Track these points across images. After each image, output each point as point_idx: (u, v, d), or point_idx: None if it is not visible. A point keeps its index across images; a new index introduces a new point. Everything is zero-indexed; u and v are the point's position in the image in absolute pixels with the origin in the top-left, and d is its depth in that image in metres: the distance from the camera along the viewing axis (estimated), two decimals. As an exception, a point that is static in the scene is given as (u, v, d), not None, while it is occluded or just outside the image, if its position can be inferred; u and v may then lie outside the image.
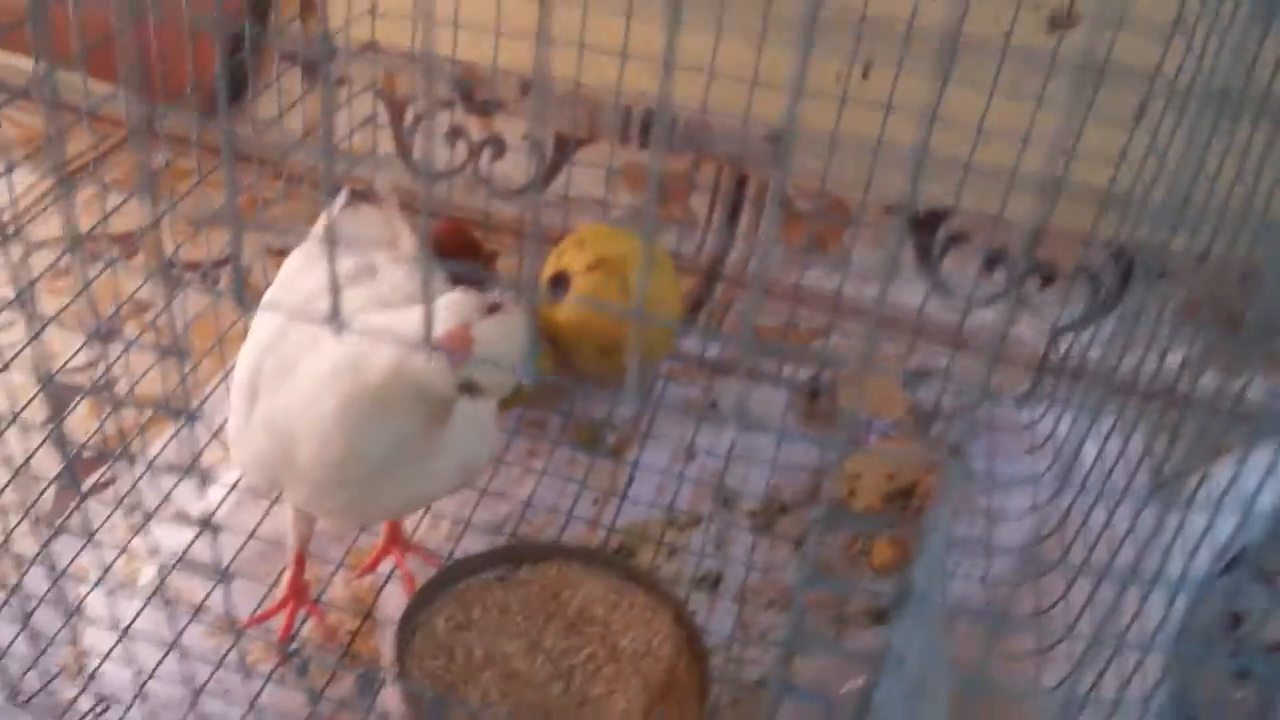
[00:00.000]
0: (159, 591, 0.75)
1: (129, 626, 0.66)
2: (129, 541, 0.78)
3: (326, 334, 0.62)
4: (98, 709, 0.69)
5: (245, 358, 0.67)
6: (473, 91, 1.15)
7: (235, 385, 0.68)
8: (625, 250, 0.90)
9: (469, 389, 0.57)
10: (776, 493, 0.88)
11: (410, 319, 0.58)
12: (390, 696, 0.71)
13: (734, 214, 1.13)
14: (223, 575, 0.70)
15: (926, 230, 1.07)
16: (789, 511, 0.87)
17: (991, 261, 1.07)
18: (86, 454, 0.85)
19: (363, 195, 0.84)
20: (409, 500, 0.68)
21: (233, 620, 0.74)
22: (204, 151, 0.88)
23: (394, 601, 0.78)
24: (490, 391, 0.57)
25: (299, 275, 0.73)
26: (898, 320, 1.03)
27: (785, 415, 0.95)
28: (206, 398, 0.90)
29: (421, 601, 0.71)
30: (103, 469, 0.84)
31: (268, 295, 0.74)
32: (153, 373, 0.85)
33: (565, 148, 1.14)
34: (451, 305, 0.58)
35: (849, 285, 1.02)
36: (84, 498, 0.78)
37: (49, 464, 0.79)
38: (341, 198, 0.79)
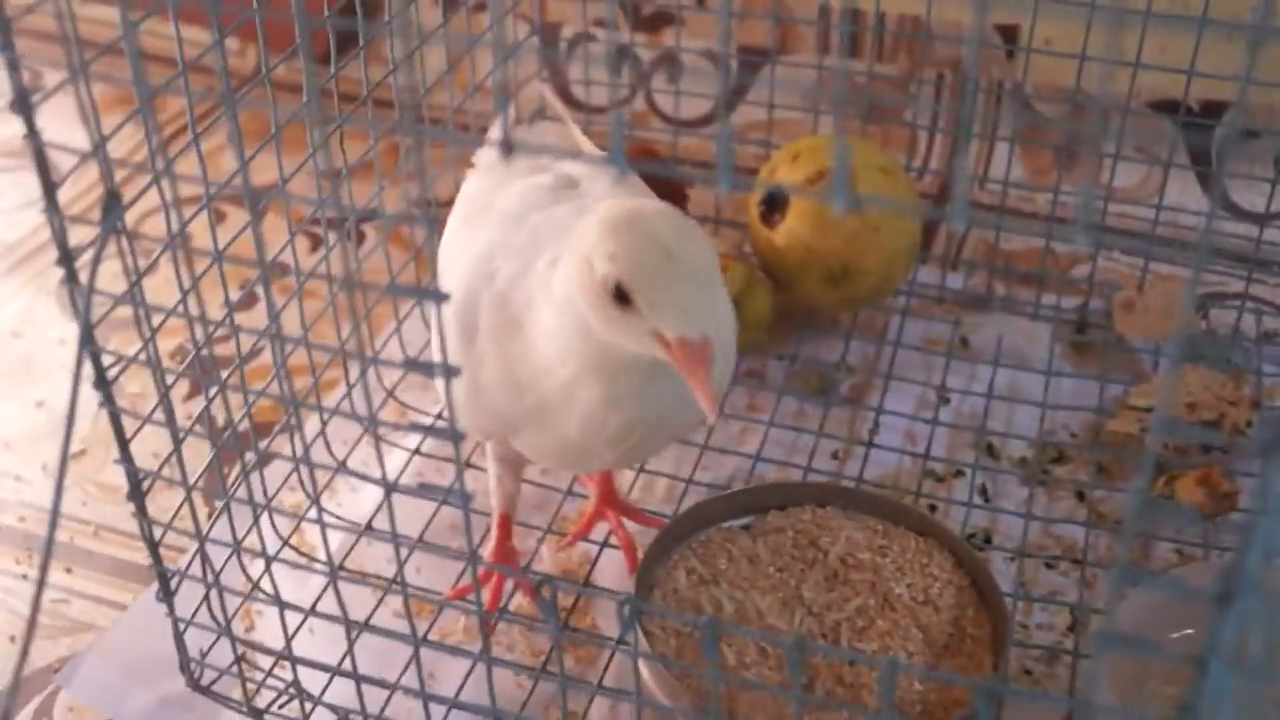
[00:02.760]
0: (341, 566, 0.80)
1: (314, 605, 0.71)
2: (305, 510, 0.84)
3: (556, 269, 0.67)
4: (284, 697, 0.74)
5: (456, 285, 0.70)
6: (638, 3, 1.19)
7: (450, 314, 0.70)
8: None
9: None
10: (1049, 437, 0.90)
11: None
12: (629, 665, 0.74)
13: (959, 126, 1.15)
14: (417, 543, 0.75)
15: (1200, 128, 1.07)
16: (1066, 458, 0.89)
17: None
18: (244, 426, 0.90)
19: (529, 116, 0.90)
20: (673, 434, 0.71)
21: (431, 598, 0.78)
22: (326, 99, 0.92)
23: (611, 571, 0.82)
24: None
25: (488, 196, 0.78)
26: (1175, 240, 1.04)
27: (1051, 351, 0.97)
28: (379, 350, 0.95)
29: (656, 555, 0.74)
30: (270, 436, 0.90)
31: (454, 223, 0.79)
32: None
33: (753, 63, 1.18)
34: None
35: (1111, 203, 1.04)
36: (256, 464, 0.83)
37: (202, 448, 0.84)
38: (510, 111, 0.83)
